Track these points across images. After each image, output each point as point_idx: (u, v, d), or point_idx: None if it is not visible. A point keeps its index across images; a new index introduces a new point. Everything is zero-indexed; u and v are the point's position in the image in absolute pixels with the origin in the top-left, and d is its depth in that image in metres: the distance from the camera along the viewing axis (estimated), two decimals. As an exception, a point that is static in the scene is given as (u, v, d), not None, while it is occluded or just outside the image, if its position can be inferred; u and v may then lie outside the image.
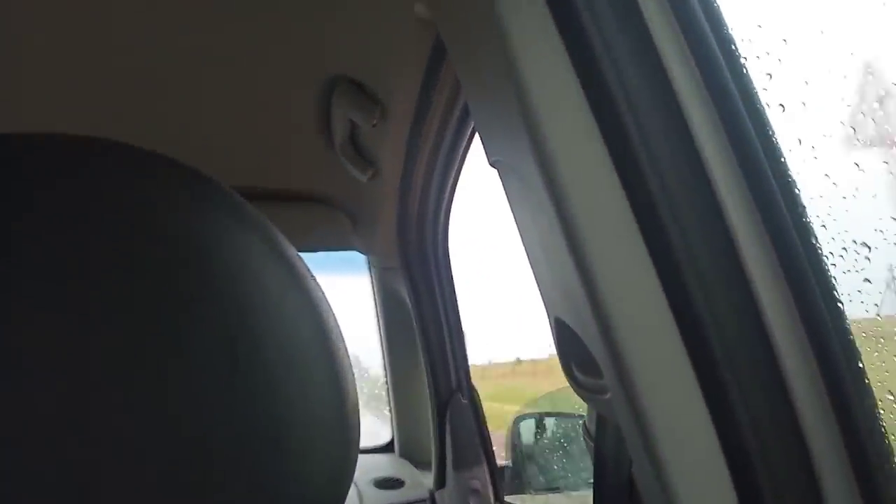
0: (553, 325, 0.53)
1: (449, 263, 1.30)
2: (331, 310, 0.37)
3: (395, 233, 1.20)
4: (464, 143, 0.94)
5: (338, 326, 0.37)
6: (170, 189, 0.34)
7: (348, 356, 0.37)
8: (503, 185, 0.55)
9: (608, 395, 0.47)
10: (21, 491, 0.28)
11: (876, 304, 0.44)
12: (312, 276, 0.37)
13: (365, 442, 1.67)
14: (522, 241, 0.55)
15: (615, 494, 0.51)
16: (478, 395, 1.34)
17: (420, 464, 1.50)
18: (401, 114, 0.86)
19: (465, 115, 0.89)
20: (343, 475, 0.35)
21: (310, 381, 0.33)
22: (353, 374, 0.37)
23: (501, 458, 1.35)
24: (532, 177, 0.46)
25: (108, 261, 0.30)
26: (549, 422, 1.30)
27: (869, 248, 0.41)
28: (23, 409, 0.28)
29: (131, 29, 0.75)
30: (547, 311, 0.54)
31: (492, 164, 0.55)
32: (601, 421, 0.53)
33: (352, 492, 1.38)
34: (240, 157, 1.06)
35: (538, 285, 0.55)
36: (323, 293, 0.37)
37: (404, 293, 1.33)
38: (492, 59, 0.48)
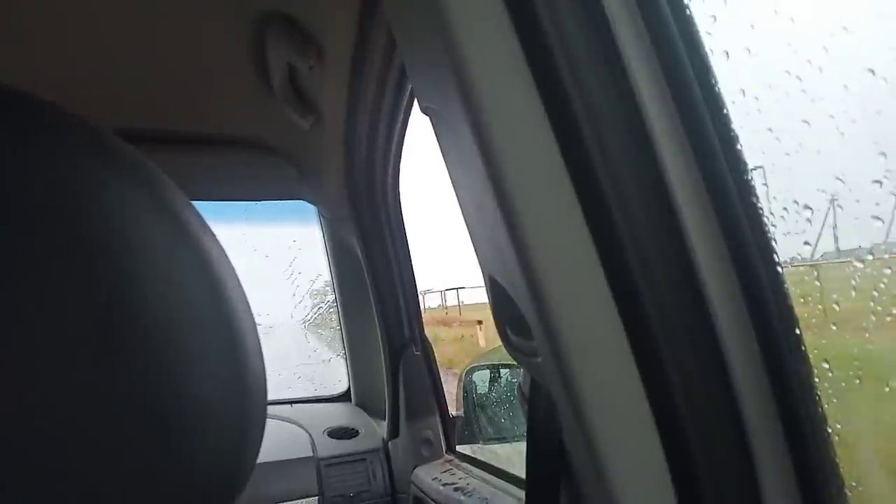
0: (487, 282, 0.50)
1: (400, 213, 1.26)
2: (229, 266, 0.33)
3: (343, 182, 1.15)
4: (409, 90, 0.89)
5: (238, 284, 0.33)
6: (38, 135, 0.29)
7: (251, 317, 0.33)
8: (435, 133, 0.51)
9: (538, 359, 0.45)
10: None
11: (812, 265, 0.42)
12: (207, 228, 0.33)
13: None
14: (456, 194, 0.52)
15: (547, 455, 0.50)
16: (430, 346, 1.33)
17: (375, 413, 1.50)
18: (339, 55, 0.81)
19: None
20: (245, 444, 0.32)
21: (201, 348, 0.30)
22: (258, 336, 0.33)
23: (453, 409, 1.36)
24: (463, 126, 0.42)
25: None
26: (501, 373, 1.30)
27: (811, 209, 0.38)
28: None
29: None
30: (481, 268, 0.51)
31: (423, 111, 0.51)
32: (535, 383, 0.51)
33: (306, 441, 1.37)
34: (174, 100, 0.99)
35: (472, 242, 0.52)
36: (220, 248, 0.33)
37: (355, 244, 1.29)
38: (421, 2, 0.43)
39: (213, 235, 0.33)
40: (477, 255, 0.51)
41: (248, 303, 0.33)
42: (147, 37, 0.83)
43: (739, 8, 0.37)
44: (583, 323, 0.40)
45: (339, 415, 1.52)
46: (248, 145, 1.10)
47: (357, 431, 1.43)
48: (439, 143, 0.51)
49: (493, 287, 0.49)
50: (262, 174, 1.15)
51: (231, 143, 1.09)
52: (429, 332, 1.31)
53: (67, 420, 0.26)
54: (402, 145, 1.12)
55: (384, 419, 1.40)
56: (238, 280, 0.33)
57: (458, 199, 0.52)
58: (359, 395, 1.58)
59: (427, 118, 0.52)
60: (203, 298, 0.30)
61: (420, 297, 1.43)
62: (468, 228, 0.52)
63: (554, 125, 0.40)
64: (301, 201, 1.32)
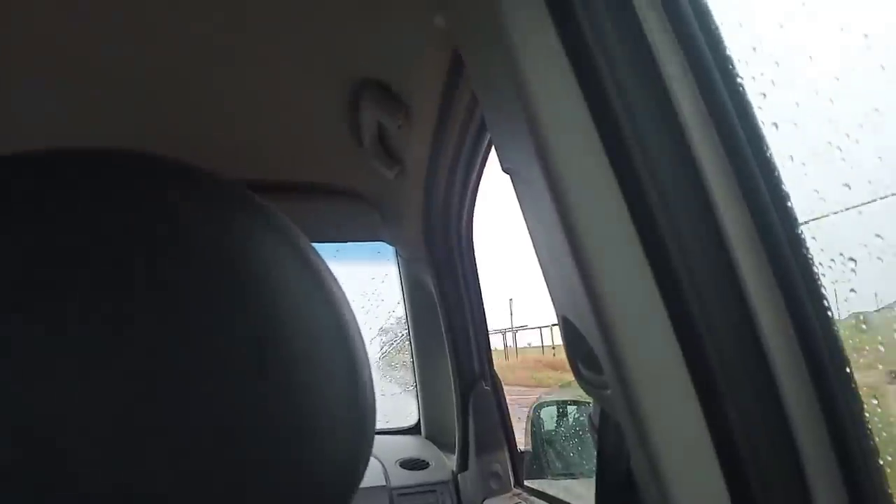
0: (561, 322, 0.56)
1: (473, 256, 1.34)
2: (349, 306, 0.40)
3: (421, 226, 1.24)
4: (485, 144, 0.98)
5: (355, 321, 0.40)
6: (204, 199, 0.37)
7: (365, 349, 0.40)
8: (515, 190, 0.58)
9: (608, 391, 0.50)
10: (70, 481, 0.32)
11: (861, 315, 0.46)
12: (332, 274, 0.40)
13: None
14: (532, 242, 0.59)
15: (615, 485, 0.54)
16: (500, 382, 1.38)
17: (444, 446, 1.55)
18: (425, 116, 0.90)
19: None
20: (359, 457, 0.39)
21: (329, 375, 0.37)
22: (370, 366, 0.41)
23: (522, 444, 1.39)
24: (539, 184, 0.49)
25: (147, 269, 0.34)
26: (569, 409, 1.33)
27: (855, 261, 0.43)
28: (71, 412, 0.32)
29: (164, 30, 0.80)
30: (555, 309, 0.57)
31: (504, 171, 0.58)
32: (604, 415, 0.56)
33: (379, 470, 1.43)
34: (274, 153, 1.11)
35: (547, 285, 0.58)
36: (342, 291, 0.40)
37: (430, 283, 1.37)
38: (503, 73, 0.51)
39: (336, 279, 0.41)
40: (551, 297, 0.58)
41: (363, 340, 0.41)
42: (256, 97, 0.95)
43: (785, 87, 0.43)
44: (648, 358, 0.45)
45: (410, 447, 1.58)
46: (338, 193, 1.21)
47: (427, 463, 1.48)
48: (518, 198, 0.58)
49: (566, 326, 0.55)
50: (349, 218, 1.25)
51: (323, 190, 1.20)
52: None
53: (224, 430, 0.33)
54: (476, 193, 1.20)
55: (453, 452, 1.45)
56: (356, 320, 0.41)
57: (534, 247, 0.58)
58: (429, 428, 1.64)
59: (507, 176, 0.59)
60: (331, 335, 0.37)
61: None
62: (543, 273, 0.58)
63: (620, 184, 0.46)
64: (381, 242, 1.42)
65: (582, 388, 0.55)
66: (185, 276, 0.34)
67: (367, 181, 1.15)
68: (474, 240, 1.32)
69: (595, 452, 0.58)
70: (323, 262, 0.40)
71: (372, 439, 0.40)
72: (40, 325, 0.33)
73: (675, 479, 0.45)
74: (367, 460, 0.40)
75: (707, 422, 0.45)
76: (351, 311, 0.40)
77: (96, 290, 0.33)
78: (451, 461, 1.46)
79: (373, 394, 0.40)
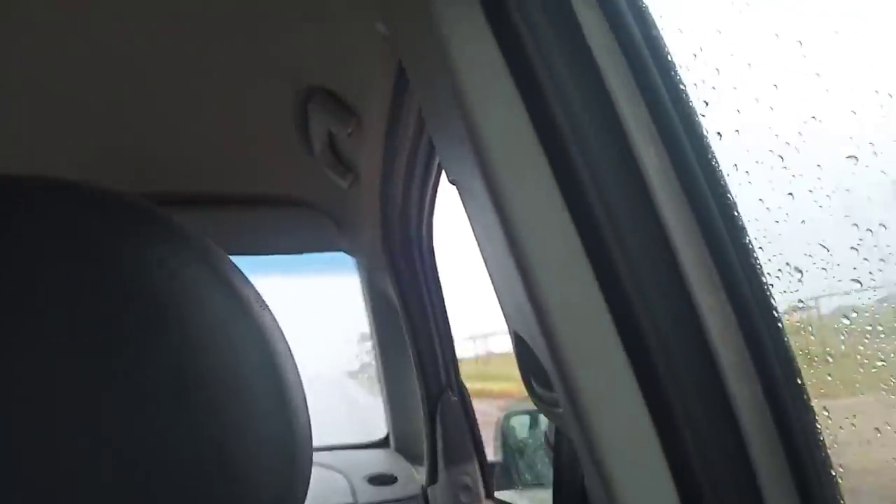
0: (513, 338, 0.54)
1: (434, 263, 1.31)
2: (279, 333, 0.38)
3: (380, 235, 1.21)
4: (439, 151, 0.96)
5: (287, 349, 0.38)
6: (117, 224, 0.35)
7: (299, 378, 0.38)
8: (462, 202, 0.56)
9: (560, 410, 0.48)
10: None
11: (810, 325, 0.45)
12: (261, 300, 0.38)
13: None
14: (482, 255, 0.57)
15: (570, 499, 0.53)
16: (467, 392, 1.36)
17: (414, 458, 1.52)
18: (376, 123, 0.88)
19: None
20: (293, 496, 0.37)
21: (256, 407, 0.35)
22: (304, 396, 0.38)
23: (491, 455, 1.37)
24: (483, 196, 0.48)
25: (57, 298, 0.31)
26: (538, 418, 1.32)
27: (801, 272, 0.42)
28: None
29: (97, 40, 0.77)
30: (507, 324, 0.55)
31: (450, 182, 0.56)
32: (559, 432, 0.54)
33: (345, 489, 1.40)
34: (224, 163, 1.08)
35: (498, 299, 0.56)
36: (272, 317, 0.38)
37: (391, 293, 1.35)
38: (442, 84, 0.49)
39: (265, 304, 0.38)
40: (502, 311, 0.56)
41: (294, 363, 0.38)
42: (198, 103, 0.92)
43: (727, 95, 0.42)
44: (597, 375, 0.44)
45: (379, 461, 1.55)
46: (290, 203, 1.18)
47: (396, 478, 1.46)
48: (466, 210, 0.56)
49: (518, 342, 0.53)
50: (303, 229, 1.23)
51: (275, 201, 1.17)
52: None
53: (146, 462, 0.31)
54: (434, 200, 1.18)
55: (423, 465, 1.43)
56: (286, 343, 0.39)
57: (483, 260, 0.56)
58: (398, 440, 1.61)
59: (454, 187, 0.57)
60: (257, 362, 0.35)
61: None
62: (494, 287, 0.56)
63: (564, 196, 0.45)
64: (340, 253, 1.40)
65: (535, 404, 0.53)
66: (96, 303, 0.32)
67: (322, 191, 1.13)
68: (434, 247, 1.30)
69: (550, 469, 0.57)
70: (249, 284, 0.38)
71: (308, 472, 0.38)
72: None
73: (627, 497, 0.43)
74: (304, 494, 0.38)
75: (659, 439, 0.44)
76: (283, 339, 0.38)
77: (4, 317, 0.31)
78: (421, 474, 1.44)
79: (307, 428, 0.38)
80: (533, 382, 0.53)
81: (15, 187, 0.35)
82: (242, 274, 0.38)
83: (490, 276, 0.56)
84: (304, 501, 0.38)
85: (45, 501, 0.30)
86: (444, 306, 1.34)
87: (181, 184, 1.03)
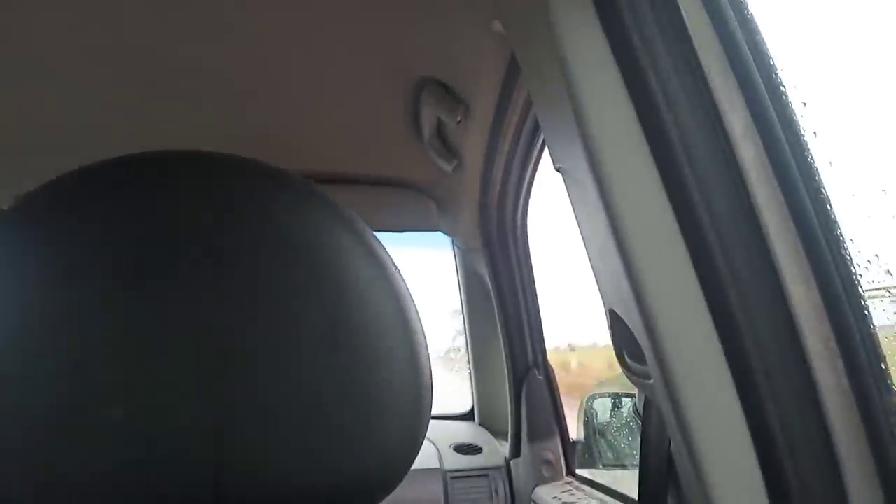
0: (608, 315, 0.59)
1: (527, 248, 1.36)
2: (409, 294, 0.44)
3: (477, 218, 1.28)
4: (540, 142, 1.00)
5: (415, 308, 0.44)
6: (286, 197, 0.42)
7: (425, 338, 0.45)
8: (566, 188, 0.61)
9: (650, 381, 0.53)
10: (171, 439, 0.37)
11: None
12: (395, 264, 0.45)
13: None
14: (582, 238, 0.61)
15: (657, 470, 0.57)
16: (552, 371, 1.41)
17: (497, 433, 1.59)
18: (483, 113, 0.93)
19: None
20: (415, 434, 0.43)
21: (391, 358, 0.41)
22: (429, 353, 0.45)
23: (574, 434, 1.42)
24: (588, 183, 0.52)
25: (241, 258, 0.39)
26: (621, 401, 1.35)
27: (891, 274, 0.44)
28: (170, 374, 0.37)
29: (234, 34, 0.85)
30: (603, 302, 0.60)
31: (556, 169, 0.61)
32: (648, 403, 0.59)
33: (434, 454, 1.49)
34: (340, 147, 1.17)
35: (596, 279, 0.61)
36: (403, 279, 0.45)
37: (485, 273, 1.41)
38: (555, 77, 0.54)
39: (398, 268, 0.45)
40: (600, 291, 0.60)
41: (422, 323, 0.45)
42: (318, 91, 1.01)
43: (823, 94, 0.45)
44: (688, 348, 0.48)
45: (464, 432, 1.62)
46: (397, 185, 1.27)
47: (480, 448, 1.53)
48: (569, 196, 0.61)
49: (613, 318, 0.58)
50: (408, 209, 1.31)
51: (384, 182, 1.26)
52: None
53: (303, 398, 0.38)
54: (531, 188, 1.22)
55: (506, 439, 1.49)
56: (416, 306, 0.45)
57: (584, 243, 0.61)
58: (482, 414, 1.68)
59: (559, 175, 0.62)
60: (393, 317, 0.42)
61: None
62: (593, 269, 0.61)
63: (665, 184, 0.49)
64: (438, 233, 1.47)
65: (627, 377, 0.58)
66: (271, 263, 0.39)
67: (426, 174, 1.20)
68: (528, 232, 1.35)
69: (638, 438, 0.61)
70: (386, 252, 0.45)
71: (428, 416, 0.45)
72: (149, 304, 0.38)
73: (711, 464, 0.47)
74: (425, 433, 0.44)
75: (743, 411, 0.47)
76: (411, 298, 0.45)
77: (198, 275, 0.39)
78: (504, 448, 1.50)
79: (430, 376, 0.44)
80: (626, 356, 0.58)
81: (208, 163, 0.43)
82: (382, 244, 0.45)
83: (589, 257, 0.61)
84: (425, 435, 0.45)
85: (225, 411, 0.37)
86: (535, 289, 1.39)
87: (302, 163, 1.13)
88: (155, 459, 0.38)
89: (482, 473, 1.44)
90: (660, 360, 0.49)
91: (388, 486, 0.44)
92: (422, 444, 0.45)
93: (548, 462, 1.36)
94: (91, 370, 0.38)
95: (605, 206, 0.51)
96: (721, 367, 0.48)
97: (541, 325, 1.40)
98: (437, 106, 0.94)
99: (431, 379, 0.45)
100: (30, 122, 1.01)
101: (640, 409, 0.60)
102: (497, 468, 1.45)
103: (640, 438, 0.61)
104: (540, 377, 1.40)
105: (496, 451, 1.53)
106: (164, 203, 0.41)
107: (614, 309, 0.57)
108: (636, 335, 0.53)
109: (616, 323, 0.57)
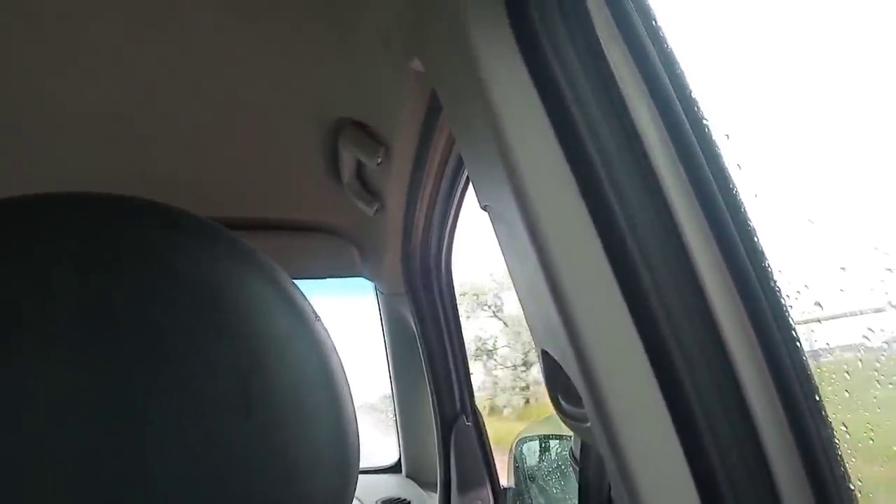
0: (540, 355, 0.57)
1: (452, 290, 1.35)
2: (333, 344, 0.41)
3: (400, 262, 1.25)
4: (463, 180, 1.00)
5: (339, 359, 0.41)
6: (189, 241, 0.38)
7: (350, 390, 0.41)
8: (493, 226, 0.60)
9: (588, 424, 0.51)
10: None
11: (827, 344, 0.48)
12: (315, 313, 0.41)
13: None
14: (511, 277, 0.60)
15: None
16: (481, 418, 1.38)
17: (426, 484, 1.53)
18: (404, 153, 0.92)
19: (464, 155, 0.95)
20: (343, 495, 0.40)
21: (314, 413, 0.37)
22: (354, 407, 0.41)
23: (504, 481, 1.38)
24: (515, 220, 0.51)
25: (133, 308, 0.34)
26: (551, 444, 1.33)
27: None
28: (55, 453, 0.32)
29: (142, 74, 0.81)
30: (535, 342, 0.58)
31: (483, 208, 0.60)
32: (585, 446, 0.57)
33: (360, 512, 1.42)
34: (254, 191, 1.12)
35: (527, 318, 0.59)
36: (325, 329, 0.41)
37: (409, 318, 1.38)
38: (477, 113, 0.53)
39: (321, 319, 0.41)
40: (531, 331, 0.59)
41: (346, 375, 0.41)
42: (234, 137, 0.96)
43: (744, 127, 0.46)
44: (625, 389, 0.46)
45: (392, 485, 1.56)
46: (316, 229, 1.22)
47: (409, 502, 1.47)
48: (496, 234, 0.59)
49: (546, 359, 0.56)
50: (328, 254, 1.26)
51: (302, 227, 1.21)
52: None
53: (210, 469, 0.34)
54: (454, 229, 1.21)
55: (434, 490, 1.44)
56: (340, 358, 0.42)
57: (513, 281, 0.59)
58: (409, 466, 1.62)
59: (485, 213, 0.61)
60: (315, 374, 0.38)
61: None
62: (523, 307, 0.59)
63: (594, 219, 0.48)
64: (360, 278, 1.43)
65: (562, 420, 0.56)
66: (170, 314, 0.35)
67: (347, 218, 1.17)
68: (452, 275, 1.33)
69: (576, 485, 0.59)
70: (306, 300, 0.41)
71: (356, 478, 0.41)
72: (24, 367, 0.33)
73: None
74: (352, 498, 0.41)
75: (685, 452, 0.46)
76: (335, 348, 0.41)
77: (81, 328, 0.34)
78: (433, 499, 1.45)
79: (357, 433, 0.40)
80: (560, 398, 0.56)
81: (95, 204, 0.39)
82: (301, 291, 0.41)
83: (519, 295, 0.59)
84: (353, 496, 0.41)
85: (119, 498, 0.32)
86: (461, 333, 1.37)
87: (214, 209, 1.07)
88: None
89: None
90: (597, 402, 0.47)
91: None
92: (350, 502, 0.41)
93: (479, 512, 1.32)
94: None
95: (534, 243, 0.49)
96: (659, 407, 0.47)
97: (468, 369, 1.38)
98: (357, 147, 0.92)
99: (358, 435, 0.41)
100: None
101: (577, 453, 0.58)
102: None
103: (577, 483, 0.58)
104: (468, 424, 1.36)
105: (425, 503, 1.47)
106: (41, 247, 0.36)
107: (546, 349, 0.55)
108: (570, 376, 0.52)
109: (549, 363, 0.55)
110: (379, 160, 0.90)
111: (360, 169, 1.00)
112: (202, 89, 0.85)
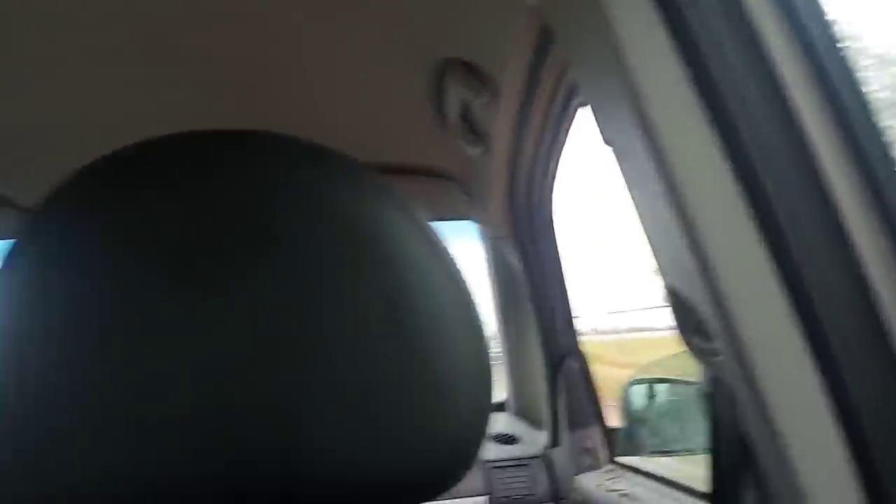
0: (668, 292, 0.56)
1: (555, 232, 1.33)
2: (466, 280, 0.42)
3: (505, 203, 1.25)
4: (569, 120, 0.97)
5: (473, 294, 0.42)
6: (335, 176, 0.40)
7: (481, 320, 0.42)
8: (617, 160, 0.58)
9: (720, 358, 0.50)
10: (229, 420, 0.35)
11: None
12: (449, 250, 0.42)
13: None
14: (637, 212, 0.58)
15: (730, 456, 0.54)
16: (587, 359, 1.38)
17: (533, 422, 1.56)
18: (511, 92, 0.90)
19: (571, 94, 0.92)
20: (484, 414, 0.41)
21: (455, 338, 0.39)
22: (487, 336, 0.42)
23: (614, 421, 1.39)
24: (642, 156, 0.49)
25: (288, 237, 0.37)
26: (662, 387, 1.32)
27: None
28: (226, 361, 0.35)
29: (253, 19, 0.83)
30: (663, 279, 0.57)
31: (606, 143, 0.58)
32: (715, 382, 0.56)
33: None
34: (360, 134, 1.14)
35: (654, 254, 0.58)
36: (458, 265, 0.42)
37: (514, 260, 1.38)
38: (600, 46, 0.51)
39: (453, 254, 0.42)
40: (659, 267, 0.57)
41: (480, 312, 0.42)
42: (341, 81, 0.98)
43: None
44: (759, 321, 0.45)
45: (500, 423, 1.60)
46: (425, 173, 1.24)
47: (518, 439, 1.51)
48: (621, 169, 0.58)
49: (674, 295, 0.55)
50: (437, 198, 1.28)
51: (410, 171, 1.23)
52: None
53: (362, 385, 0.36)
54: (556, 172, 1.20)
55: (542, 429, 1.47)
56: (473, 293, 0.43)
57: (640, 218, 0.58)
58: (517, 405, 1.65)
59: (608, 147, 0.59)
60: (453, 303, 0.40)
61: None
62: (650, 244, 0.58)
63: (725, 151, 0.46)
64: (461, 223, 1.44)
65: (692, 356, 0.55)
66: (320, 243, 0.37)
67: (453, 160, 1.17)
68: (556, 217, 1.32)
69: (702, 426, 0.58)
70: (441, 237, 0.42)
71: (491, 404, 0.42)
72: (199, 290, 0.36)
73: (791, 440, 0.45)
74: (489, 419, 0.42)
75: (823, 383, 0.45)
76: (468, 284, 0.42)
77: (243, 255, 0.36)
78: (541, 438, 1.48)
79: (489, 360, 0.42)
80: (688, 333, 0.55)
81: (252, 140, 0.41)
82: (429, 224, 0.43)
83: (646, 232, 0.58)
84: (489, 422, 0.42)
85: (272, 411, 0.35)
86: (564, 275, 1.36)
87: None
88: (218, 447, 0.37)
89: (521, 463, 1.41)
90: (730, 335, 0.46)
91: (458, 473, 0.41)
92: (487, 426, 0.42)
93: (588, 450, 1.33)
94: (147, 361, 0.36)
95: (664, 180, 0.48)
96: (796, 340, 0.45)
97: (571, 311, 1.37)
98: (463, 88, 0.91)
99: (490, 361, 0.42)
100: (53, 119, 0.99)
101: (706, 390, 0.57)
102: (535, 458, 1.42)
103: (708, 421, 0.57)
104: (575, 365, 1.37)
105: (533, 441, 1.50)
106: (207, 182, 0.39)
107: (675, 285, 0.54)
108: (701, 310, 0.50)
109: (677, 300, 0.54)
110: (485, 101, 0.90)
111: (466, 110, 0.99)
112: (312, 34, 0.87)
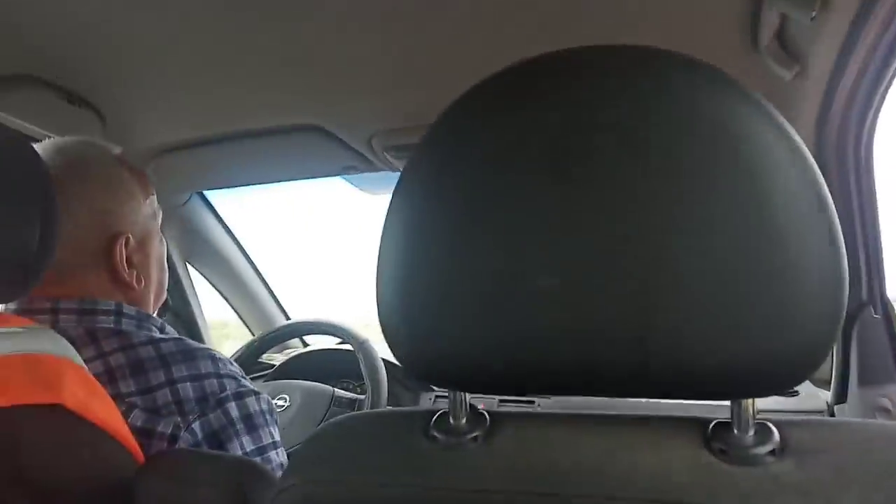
0: None
1: (871, 172, 1.20)
2: (823, 185, 0.43)
3: (813, 136, 1.16)
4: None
5: (830, 202, 0.43)
6: (704, 84, 0.44)
7: (838, 228, 0.43)
8: None
9: None
10: (595, 302, 0.42)
11: None
12: (809, 157, 0.44)
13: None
14: None
15: None
16: (893, 309, 1.25)
17: (813, 380, 1.47)
18: (843, 6, 0.84)
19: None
20: (833, 322, 0.43)
21: (810, 244, 0.42)
22: (842, 244, 0.43)
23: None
24: None
25: (660, 139, 0.42)
26: None
27: None
28: (595, 248, 0.42)
29: None
30: None
31: None
32: None
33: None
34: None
35: None
36: (817, 171, 0.44)
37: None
38: None
39: (808, 154, 0.44)
40: None
41: (832, 207, 0.43)
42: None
43: None
44: None
45: None
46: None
47: (796, 392, 1.43)
48: None
49: None
50: None
51: None
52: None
53: (729, 272, 0.41)
54: (880, 109, 1.08)
55: (820, 385, 1.37)
56: (825, 189, 0.43)
57: None
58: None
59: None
60: (810, 202, 0.42)
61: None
62: None
63: None
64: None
65: None
66: (693, 149, 0.42)
67: (756, 84, 1.11)
68: (873, 154, 1.19)
69: None
70: (802, 145, 0.44)
71: (843, 310, 0.43)
72: (573, 184, 0.43)
73: None
74: (838, 328, 0.43)
75: None
76: (825, 190, 0.43)
77: (617, 159, 0.42)
78: (823, 393, 1.39)
79: (844, 269, 0.43)
80: None
81: (623, 52, 0.46)
82: (792, 130, 0.44)
83: None
84: (838, 328, 0.43)
85: (642, 290, 0.41)
86: (876, 216, 1.23)
87: None
88: (584, 326, 0.43)
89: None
90: None
91: (802, 373, 0.44)
92: (839, 326, 0.44)
93: (883, 409, 1.22)
94: (524, 244, 0.44)
95: None
96: None
97: (881, 256, 1.24)
98: (787, 1, 0.87)
99: (847, 271, 0.43)
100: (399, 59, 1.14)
101: None
102: (820, 412, 1.34)
103: None
104: (877, 316, 1.24)
105: (814, 395, 1.42)
106: (586, 95, 0.44)
107: None
108: None
109: None
110: (813, 14, 0.85)
111: (783, 27, 0.95)
112: None
